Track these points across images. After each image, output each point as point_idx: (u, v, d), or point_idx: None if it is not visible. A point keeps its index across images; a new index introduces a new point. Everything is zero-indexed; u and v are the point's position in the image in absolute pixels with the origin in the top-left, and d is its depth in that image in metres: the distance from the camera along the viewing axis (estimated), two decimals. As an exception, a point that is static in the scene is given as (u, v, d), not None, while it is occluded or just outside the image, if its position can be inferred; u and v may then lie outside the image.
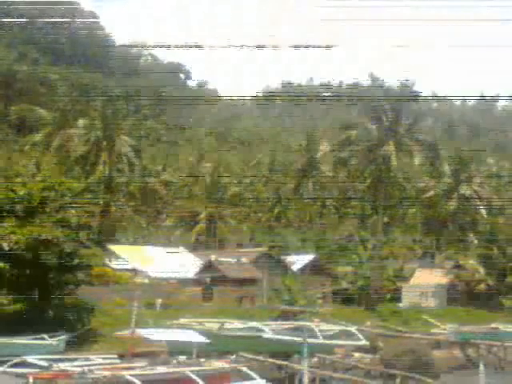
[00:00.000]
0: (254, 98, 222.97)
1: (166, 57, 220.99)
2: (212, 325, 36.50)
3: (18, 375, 21.22)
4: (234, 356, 29.41)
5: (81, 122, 70.13)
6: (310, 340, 31.88)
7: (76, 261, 37.16)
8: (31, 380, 20.54)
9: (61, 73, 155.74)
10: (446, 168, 79.58)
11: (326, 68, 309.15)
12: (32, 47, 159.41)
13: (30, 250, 34.49)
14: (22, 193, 36.59)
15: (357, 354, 38.76)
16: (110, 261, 45.43)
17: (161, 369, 23.99)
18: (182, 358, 26.08)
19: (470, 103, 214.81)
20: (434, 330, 48.22)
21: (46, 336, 31.27)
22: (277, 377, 32.56)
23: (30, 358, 23.23)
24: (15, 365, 22.48)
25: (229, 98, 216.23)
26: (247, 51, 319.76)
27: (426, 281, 66.25)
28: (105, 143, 66.87)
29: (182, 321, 37.62)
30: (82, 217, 37.77)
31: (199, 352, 26.42)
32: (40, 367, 22.38)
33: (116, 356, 28.18)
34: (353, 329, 40.67)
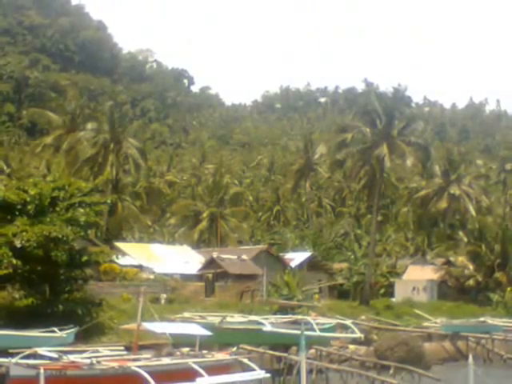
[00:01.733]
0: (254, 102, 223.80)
1: (170, 63, 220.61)
2: (214, 318, 36.45)
3: (29, 366, 21.17)
4: (235, 348, 29.34)
5: (89, 125, 70.03)
6: (307, 333, 31.83)
7: (85, 257, 37.14)
8: (42, 371, 20.52)
9: (70, 78, 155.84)
10: (437, 169, 79.50)
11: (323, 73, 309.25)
12: (43, 55, 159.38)
13: (41, 247, 34.43)
14: (33, 193, 36.50)
15: (352, 346, 38.77)
16: (117, 258, 45.26)
17: (165, 360, 23.99)
18: (186, 349, 26.09)
19: (460, 107, 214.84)
20: (425, 324, 48.23)
21: (56, 329, 31.18)
22: (276, 368, 32.57)
23: (41, 350, 23.18)
24: (27, 356, 22.43)
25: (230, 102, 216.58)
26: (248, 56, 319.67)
27: (417, 276, 66.26)
28: (112, 145, 66.76)
29: (186, 314, 37.62)
30: (90, 216, 37.68)
31: (202, 344, 26.40)
32: (50, 359, 22.34)
33: (123, 348, 28.18)
34: (348, 322, 40.64)
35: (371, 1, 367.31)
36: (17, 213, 36.26)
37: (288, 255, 66.75)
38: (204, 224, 79.11)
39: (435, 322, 47.56)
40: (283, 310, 46.52)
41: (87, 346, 29.91)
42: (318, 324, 37.22)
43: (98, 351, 25.23)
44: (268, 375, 24.44)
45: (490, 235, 67.35)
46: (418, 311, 51.13)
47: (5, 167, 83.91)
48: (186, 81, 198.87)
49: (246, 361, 25.30)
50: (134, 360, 23.53)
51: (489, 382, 19.71)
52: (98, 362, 22.01)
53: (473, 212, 75.66)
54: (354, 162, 62.75)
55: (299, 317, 40.31)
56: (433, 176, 79.46)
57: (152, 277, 53.20)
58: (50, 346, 25.45)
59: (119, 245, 57.97)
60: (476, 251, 65.55)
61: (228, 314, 38.30)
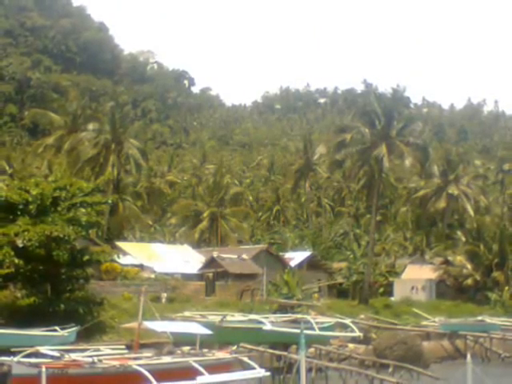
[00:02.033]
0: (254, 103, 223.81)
1: (170, 64, 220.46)
2: (214, 317, 36.46)
3: (31, 365, 21.18)
4: (236, 347, 29.35)
5: (91, 125, 69.98)
6: (307, 332, 31.78)
7: (86, 257, 37.12)
8: (44, 369, 20.52)
9: (72, 79, 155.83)
10: (435, 169, 79.47)
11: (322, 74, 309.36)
12: (45, 56, 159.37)
13: (43, 246, 34.45)
14: (35, 193, 36.51)
15: (351, 345, 38.77)
16: (118, 257, 45.25)
17: (166, 359, 24.00)
18: (186, 348, 26.08)
19: (458, 108, 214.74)
20: (423, 322, 48.23)
21: (57, 328, 31.20)
22: (276, 366, 32.58)
23: (43, 349, 23.20)
24: (29, 355, 22.44)
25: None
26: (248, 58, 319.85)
27: (416, 276, 66.25)
28: (113, 146, 66.72)
29: (186, 313, 37.63)
30: (91, 215, 37.68)
31: (202, 343, 26.41)
32: (52, 357, 22.35)
33: (124, 346, 28.19)
34: (347, 321, 40.66)
35: (370, 3, 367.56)
36: (19, 212, 36.28)
37: (288, 255, 66.77)
38: (204, 224, 79.12)
39: (434, 321, 47.58)
40: (283, 309, 46.53)
41: (88, 344, 29.92)
42: (317, 323, 37.26)
43: (99, 350, 25.26)
44: (268, 373, 24.47)
45: (488, 235, 67.38)
46: (416, 310, 51.15)
47: (7, 167, 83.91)
48: (186, 82, 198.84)
49: (246, 359, 25.32)
50: (135, 359, 23.56)
51: (487, 380, 19.70)
52: (100, 361, 22.03)
53: (471, 212, 75.63)
54: (353, 162, 62.73)
55: (299, 316, 40.35)
56: (431, 176, 79.39)
57: (153, 276, 53.21)
58: (52, 344, 25.46)
59: (120, 244, 57.96)
60: (474, 251, 65.55)
61: (228, 313, 38.32)
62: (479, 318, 48.08)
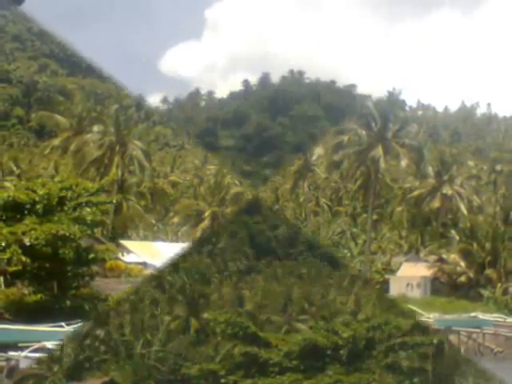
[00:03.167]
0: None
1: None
2: (215, 313, 36.34)
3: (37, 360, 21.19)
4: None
5: (96, 127, 69.96)
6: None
7: (91, 255, 37.09)
8: (50, 364, 20.53)
9: (78, 83, 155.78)
10: (430, 170, 79.44)
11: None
12: (51, 60, 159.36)
13: (49, 245, 34.44)
14: (41, 192, 36.51)
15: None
16: (122, 255, 45.22)
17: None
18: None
19: (452, 110, 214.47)
20: (419, 319, 48.18)
21: (63, 324, 31.19)
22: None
23: (49, 344, 23.18)
24: (35, 350, 22.43)
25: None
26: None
27: (411, 273, 66.21)
28: (118, 147, 66.72)
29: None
30: (96, 215, 37.66)
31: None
32: (58, 352, 22.33)
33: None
34: (344, 317, 40.49)
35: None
36: (26, 212, 36.27)
37: (287, 253, 66.61)
38: (206, 223, 79.08)
39: (428, 317, 47.56)
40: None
41: (93, 340, 29.85)
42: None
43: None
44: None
45: (481, 233, 67.31)
46: (411, 307, 51.10)
47: (14, 168, 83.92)
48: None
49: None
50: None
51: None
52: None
53: (464, 211, 75.58)
54: (350, 163, 62.85)
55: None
56: (426, 176, 79.32)
57: (156, 273, 53.15)
58: (58, 340, 25.45)
59: (124, 243, 57.97)
60: (468, 249, 65.50)
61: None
62: (472, 314, 48.12)
